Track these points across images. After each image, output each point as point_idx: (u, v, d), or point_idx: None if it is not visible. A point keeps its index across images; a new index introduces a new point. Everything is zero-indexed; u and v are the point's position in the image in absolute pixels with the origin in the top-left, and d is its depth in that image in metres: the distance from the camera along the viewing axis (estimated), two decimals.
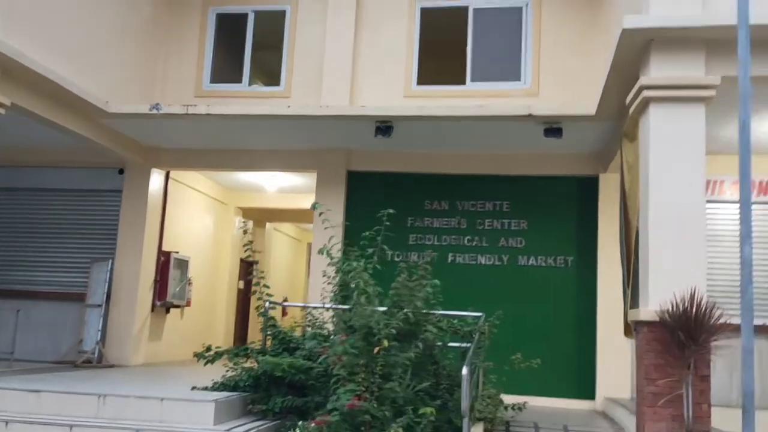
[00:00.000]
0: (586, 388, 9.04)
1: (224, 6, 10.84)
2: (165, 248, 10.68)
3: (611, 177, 8.92)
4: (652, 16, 5.96)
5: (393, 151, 9.80)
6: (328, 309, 6.92)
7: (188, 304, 11.37)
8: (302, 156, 10.08)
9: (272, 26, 10.59)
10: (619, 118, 7.54)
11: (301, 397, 6.37)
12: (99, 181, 10.52)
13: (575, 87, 9.51)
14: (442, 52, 10.53)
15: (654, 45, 5.99)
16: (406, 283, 6.31)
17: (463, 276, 9.59)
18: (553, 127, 8.33)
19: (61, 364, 9.40)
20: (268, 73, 10.80)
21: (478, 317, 7.09)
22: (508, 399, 7.31)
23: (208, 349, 6.96)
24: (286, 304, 9.23)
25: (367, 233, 6.33)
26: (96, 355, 9.48)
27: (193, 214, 11.89)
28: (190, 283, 11.33)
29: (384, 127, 8.60)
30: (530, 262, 9.57)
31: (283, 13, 10.59)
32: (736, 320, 8.44)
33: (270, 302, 7.37)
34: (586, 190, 9.50)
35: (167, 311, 10.88)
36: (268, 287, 7.26)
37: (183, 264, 11.08)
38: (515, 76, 9.98)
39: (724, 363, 8.48)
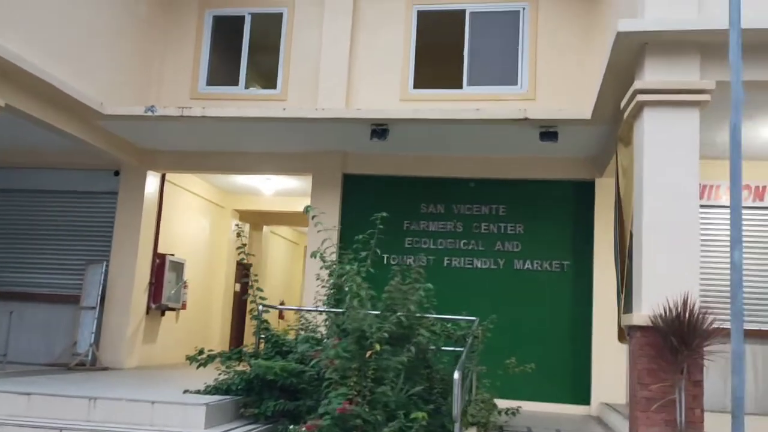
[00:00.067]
0: (581, 393, 9.01)
1: (221, 8, 10.84)
2: (160, 251, 10.66)
3: (607, 181, 8.90)
4: (646, 19, 5.95)
5: (389, 155, 9.79)
6: (321, 312, 6.89)
7: (184, 306, 11.35)
8: (298, 159, 10.06)
9: (269, 29, 10.59)
10: (614, 122, 7.53)
11: (293, 400, 6.33)
12: (94, 183, 10.50)
13: (572, 91, 9.50)
14: (439, 56, 10.53)
15: (648, 49, 5.98)
16: (399, 286, 6.28)
17: (458, 280, 9.57)
18: (548, 131, 8.33)
19: (55, 367, 9.36)
20: (265, 75, 10.79)
21: (472, 321, 7.06)
22: (503, 404, 7.26)
23: (201, 352, 6.92)
24: (279, 307, 9.20)
25: (360, 236, 6.30)
26: (89, 357, 9.44)
27: (189, 217, 11.87)
28: (185, 286, 11.30)
29: (379, 130, 8.59)
30: (526, 266, 9.55)
31: (279, 16, 10.59)
32: (725, 325, 8.45)
33: (263, 305, 7.35)
34: (583, 194, 9.48)
35: (162, 314, 10.85)
36: (261, 290, 7.23)
37: (178, 267, 11.05)
38: (512, 80, 9.98)
39: (718, 368, 8.44)
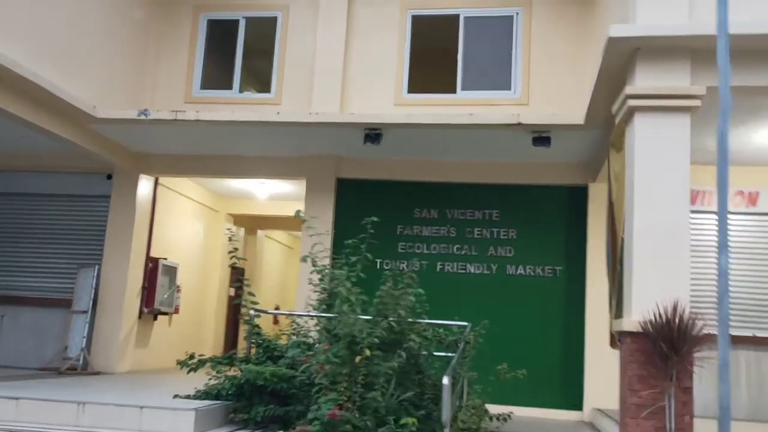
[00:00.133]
0: (574, 399, 8.99)
1: (215, 12, 10.83)
2: (153, 255, 10.63)
3: (600, 187, 8.91)
4: (638, 25, 5.96)
5: (383, 159, 9.79)
6: (312, 317, 6.86)
7: (177, 311, 11.31)
8: (292, 163, 10.05)
9: (263, 33, 10.59)
10: (607, 127, 7.53)
11: (284, 406, 6.31)
12: (87, 187, 10.47)
13: (566, 97, 9.51)
14: (433, 61, 10.54)
15: (640, 54, 5.98)
16: (391, 291, 6.25)
17: (452, 285, 9.55)
18: (541, 136, 8.32)
19: (46, 371, 9.32)
20: (259, 79, 10.78)
21: (464, 327, 7.05)
22: (497, 409, 7.24)
23: (191, 357, 6.89)
24: (271, 311, 9.17)
25: (350, 241, 6.28)
26: (81, 362, 9.39)
27: (183, 221, 11.85)
28: (178, 290, 11.27)
29: (373, 134, 8.58)
30: (519, 271, 9.53)
31: (274, 20, 10.59)
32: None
33: (255, 310, 7.33)
34: (576, 199, 9.48)
35: (155, 318, 10.81)
36: (253, 295, 7.21)
37: (171, 271, 11.02)
38: (506, 85, 9.99)
39: (711, 375, 8.46)
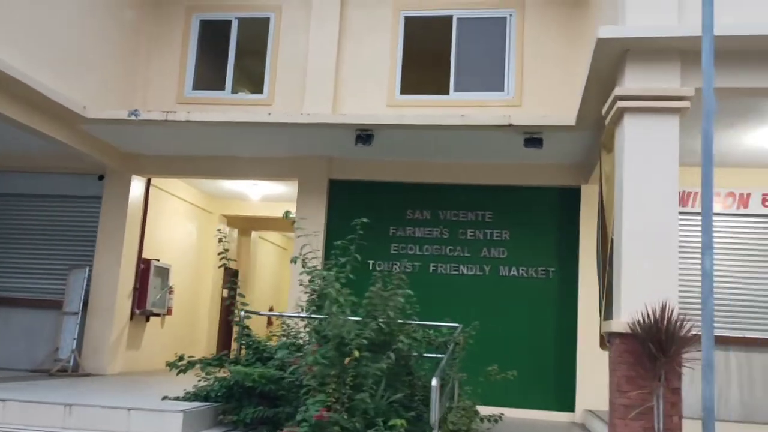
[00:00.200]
0: (566, 400, 8.98)
1: (208, 12, 10.81)
2: (145, 256, 10.59)
3: (593, 188, 8.89)
4: (627, 26, 5.96)
5: (375, 160, 9.78)
6: (302, 318, 6.84)
7: (169, 312, 11.28)
8: (284, 164, 10.03)
9: (256, 34, 10.57)
10: (598, 129, 7.52)
11: (273, 407, 6.29)
12: (78, 188, 10.43)
13: (558, 98, 9.50)
14: (426, 62, 10.53)
15: (629, 55, 5.98)
16: (380, 292, 6.24)
17: (445, 286, 9.55)
18: (533, 138, 8.31)
19: (36, 373, 9.28)
20: (252, 80, 10.76)
21: (454, 328, 7.04)
22: (489, 411, 7.23)
23: (181, 358, 6.86)
24: (262, 313, 9.14)
25: (339, 242, 6.27)
26: (71, 363, 9.35)
27: (176, 222, 11.81)
28: (171, 292, 11.24)
29: (364, 135, 8.57)
30: (512, 272, 9.53)
31: (266, 21, 10.57)
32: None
33: (245, 311, 7.32)
34: (568, 201, 9.48)
35: (147, 320, 10.77)
36: (243, 296, 7.19)
37: (164, 272, 10.98)
38: (498, 86, 9.98)
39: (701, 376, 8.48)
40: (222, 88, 10.53)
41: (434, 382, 5.31)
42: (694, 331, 5.09)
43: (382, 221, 9.72)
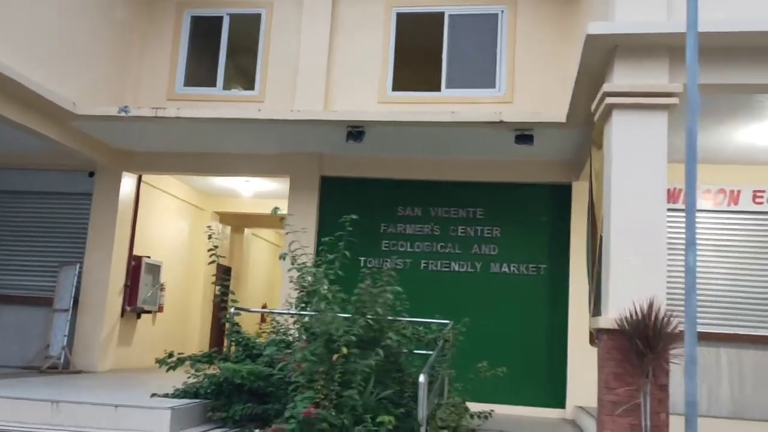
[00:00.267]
0: (557, 397, 9.00)
1: (199, 9, 10.77)
2: (137, 253, 10.56)
3: (584, 185, 8.88)
4: (616, 22, 5.95)
5: (366, 157, 9.76)
6: (292, 315, 6.84)
7: (161, 309, 11.25)
8: (275, 161, 10.01)
9: (247, 30, 10.55)
10: (589, 125, 7.51)
11: (262, 404, 6.28)
12: (69, 184, 10.39)
13: (550, 95, 9.50)
14: (417, 59, 10.52)
15: (618, 52, 5.98)
16: (369, 289, 6.22)
17: (436, 283, 9.55)
18: (524, 134, 8.31)
19: (27, 370, 9.26)
20: (243, 77, 10.73)
21: (444, 324, 7.03)
22: (480, 407, 7.23)
23: (170, 355, 6.84)
24: (253, 310, 9.14)
25: (327, 238, 6.26)
26: (62, 360, 9.33)
27: (167, 219, 11.78)
28: (162, 289, 11.21)
29: (355, 132, 8.55)
30: (503, 269, 9.53)
31: (258, 17, 10.54)
32: (701, 329, 8.47)
33: (236, 308, 7.31)
34: (559, 197, 9.48)
35: (138, 317, 10.75)
36: (232, 293, 7.18)
37: (155, 269, 10.96)
38: (490, 83, 9.98)
39: None
40: (213, 84, 10.51)
41: (422, 378, 5.30)
42: (681, 328, 5.09)
43: (374, 218, 9.72)
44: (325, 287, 6.12)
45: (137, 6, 10.52)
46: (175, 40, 10.67)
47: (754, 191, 8.82)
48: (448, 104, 9.45)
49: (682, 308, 5.99)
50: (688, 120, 3.51)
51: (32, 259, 10.39)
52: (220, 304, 7.51)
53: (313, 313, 6.21)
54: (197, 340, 12.72)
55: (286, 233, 6.41)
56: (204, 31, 10.76)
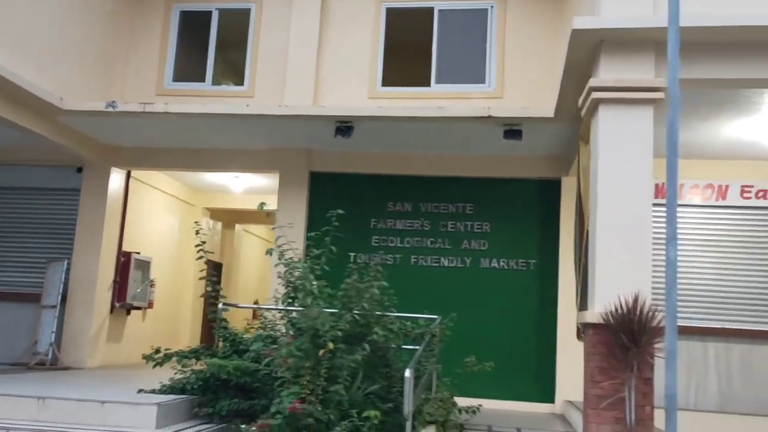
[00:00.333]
0: (546, 391, 9.02)
1: (188, 3, 10.71)
2: (126, 249, 10.52)
3: (573, 180, 8.89)
4: (602, 17, 5.95)
5: (356, 153, 9.74)
6: (279, 311, 6.83)
7: (150, 305, 11.22)
8: (264, 156, 9.98)
9: (236, 25, 10.49)
10: (576, 120, 7.52)
11: (249, 400, 6.28)
12: (57, 180, 10.35)
13: (540, 90, 9.49)
14: (407, 54, 10.49)
15: (604, 46, 5.98)
16: (356, 284, 6.23)
17: (425, 278, 9.55)
18: (513, 129, 8.31)
19: (15, 366, 9.22)
20: (233, 72, 10.70)
21: (431, 319, 7.04)
22: (469, 402, 7.24)
23: (157, 351, 6.83)
24: (241, 305, 9.14)
25: (313, 233, 6.26)
26: (50, 356, 9.30)
27: (157, 215, 11.75)
28: (152, 285, 11.18)
29: (344, 127, 8.53)
30: (492, 264, 9.53)
31: (247, 12, 10.49)
32: (689, 323, 8.50)
33: (224, 303, 7.31)
34: (549, 193, 9.49)
35: (128, 313, 10.72)
36: (220, 289, 7.17)
37: (144, 265, 10.92)
38: (480, 78, 9.96)
39: (682, 366, 8.54)
40: (203, 80, 10.46)
41: (407, 373, 5.31)
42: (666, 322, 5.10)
43: (363, 213, 9.72)
44: (314, 283, 6.12)
45: (126, 1, 10.45)
46: (164, 35, 10.62)
47: (742, 186, 8.84)
48: (437, 99, 9.44)
49: (664, 302, 6.02)
50: (670, 114, 3.52)
51: (20, 255, 10.35)
52: (209, 300, 7.50)
53: (298, 308, 6.22)
54: (188, 337, 12.70)
55: (272, 228, 6.39)
56: (193, 26, 10.70)
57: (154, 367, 6.82)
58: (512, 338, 9.21)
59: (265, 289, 16.77)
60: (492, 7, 10.04)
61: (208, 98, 9.97)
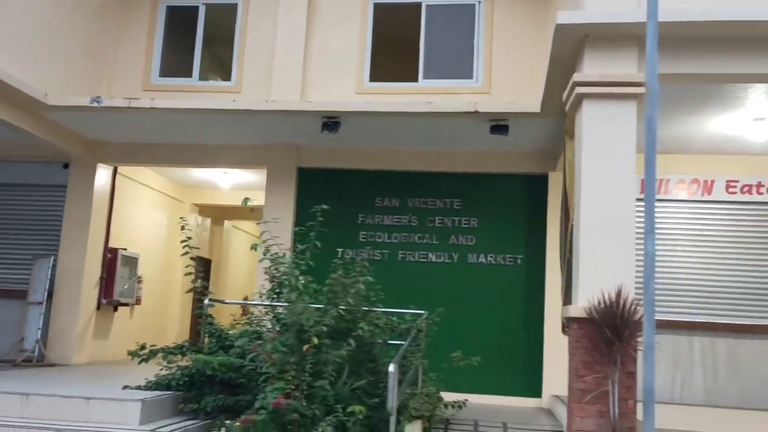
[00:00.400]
0: (533, 386, 9.05)
1: None
2: (113, 245, 10.48)
3: (560, 175, 8.88)
4: (586, 12, 5.97)
5: (344, 148, 9.73)
6: (265, 306, 6.83)
7: (138, 302, 11.19)
8: (252, 152, 9.96)
9: (223, 20, 10.45)
10: (562, 116, 7.52)
11: (234, 395, 6.28)
12: (43, 176, 10.28)
13: (527, 85, 9.49)
14: (395, 49, 10.49)
15: (588, 41, 5.99)
16: (341, 279, 6.24)
17: (413, 274, 9.56)
18: (499, 125, 8.32)
19: (2, 363, 9.16)
20: (220, 67, 10.66)
21: (418, 315, 7.05)
22: (457, 397, 7.27)
23: (143, 347, 6.81)
24: (228, 301, 9.12)
25: (297, 229, 6.25)
26: (36, 353, 9.25)
27: (145, 211, 11.70)
28: (140, 281, 11.14)
29: (330, 122, 8.52)
30: (480, 260, 9.55)
31: (234, 7, 10.45)
32: (676, 318, 8.54)
33: (210, 299, 7.29)
34: (536, 188, 9.51)
35: (115, 309, 10.68)
36: (206, 284, 7.16)
37: (132, 261, 10.88)
38: (467, 74, 9.96)
39: (667, 360, 8.60)
40: (189, 75, 10.41)
41: (391, 368, 5.30)
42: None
43: (351, 209, 9.72)
44: (301, 279, 6.11)
45: None
46: (150, 31, 10.56)
47: (727, 181, 8.89)
48: (425, 95, 9.42)
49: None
50: (648, 109, 3.53)
51: (6, 252, 10.29)
52: (196, 296, 7.48)
53: (283, 304, 6.21)
54: (176, 333, 12.66)
55: (257, 223, 6.38)
56: (180, 21, 10.65)
57: (140, 363, 6.80)
58: (499, 333, 9.24)
59: (254, 286, 16.76)
60: (479, 2, 10.04)
61: (195, 93, 9.93)
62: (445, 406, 7.10)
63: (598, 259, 5.66)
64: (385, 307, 6.88)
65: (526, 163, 9.53)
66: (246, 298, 14.50)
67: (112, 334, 10.63)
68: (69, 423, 5.65)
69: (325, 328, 5.76)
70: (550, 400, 8.73)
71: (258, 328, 6.87)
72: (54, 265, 9.75)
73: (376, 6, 10.29)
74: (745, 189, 8.87)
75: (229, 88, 10.19)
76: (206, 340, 7.05)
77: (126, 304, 10.84)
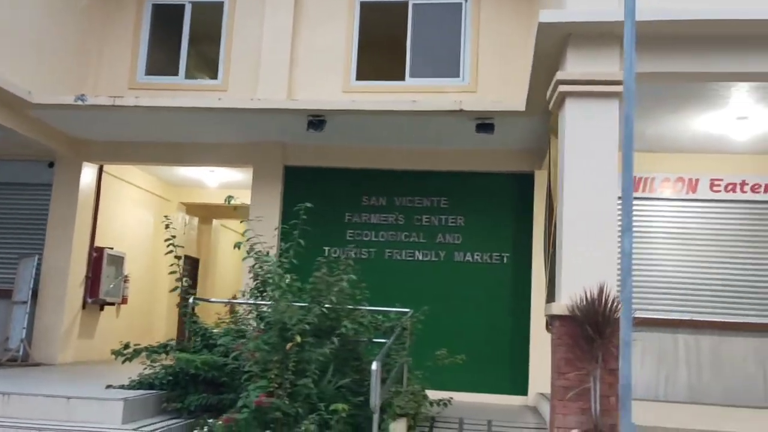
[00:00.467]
0: (519, 384, 9.07)
1: None
2: (98, 244, 10.43)
3: (546, 174, 8.96)
4: (567, 11, 5.99)
5: (330, 147, 9.72)
6: (249, 305, 6.81)
7: (124, 301, 11.14)
8: (238, 151, 9.93)
9: (210, 18, 10.42)
10: (547, 114, 7.55)
11: (218, 394, 6.26)
12: (28, 175, 10.22)
13: (514, 84, 9.49)
14: (381, 48, 10.50)
15: (571, 40, 6.02)
16: (325, 277, 6.23)
17: (400, 272, 9.57)
18: (484, 123, 8.34)
19: None
20: (206, 66, 10.62)
21: (403, 313, 7.05)
22: (443, 395, 7.28)
23: (126, 346, 6.78)
24: (213, 300, 9.10)
25: (281, 226, 6.24)
26: (21, 353, 9.19)
27: (131, 210, 11.65)
28: (126, 280, 11.09)
29: (316, 121, 8.51)
30: (466, 258, 9.56)
31: (220, 5, 10.42)
32: (661, 315, 8.59)
33: (195, 298, 7.28)
34: (522, 186, 9.53)
35: (101, 308, 10.63)
36: (190, 282, 7.13)
37: (118, 260, 10.83)
38: (454, 72, 9.98)
39: (652, 357, 8.65)
40: (176, 73, 10.37)
41: (374, 366, 5.31)
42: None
43: (338, 207, 9.73)
44: (286, 277, 6.10)
45: None
46: (136, 29, 10.51)
47: (712, 180, 8.95)
48: (412, 93, 9.42)
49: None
50: (626, 107, 3.55)
51: None
52: (182, 295, 7.46)
53: (267, 302, 6.20)
54: (163, 332, 12.60)
55: (241, 221, 6.37)
56: (166, 19, 10.60)
57: (123, 362, 6.78)
58: (486, 331, 9.26)
59: (243, 285, 16.73)
60: (466, 1, 10.06)
61: (182, 92, 9.88)
62: (431, 404, 7.11)
63: (581, 257, 5.69)
64: (372, 306, 6.87)
65: (513, 161, 9.55)
66: (234, 297, 14.49)
67: (97, 334, 10.58)
68: (51, 422, 5.61)
69: (308, 327, 5.75)
70: (536, 397, 8.76)
71: (242, 327, 6.86)
72: (39, 264, 9.70)
73: (363, 5, 10.29)
74: (729, 187, 8.93)
75: (215, 86, 10.17)
76: (191, 338, 7.03)
77: (112, 304, 10.79)
